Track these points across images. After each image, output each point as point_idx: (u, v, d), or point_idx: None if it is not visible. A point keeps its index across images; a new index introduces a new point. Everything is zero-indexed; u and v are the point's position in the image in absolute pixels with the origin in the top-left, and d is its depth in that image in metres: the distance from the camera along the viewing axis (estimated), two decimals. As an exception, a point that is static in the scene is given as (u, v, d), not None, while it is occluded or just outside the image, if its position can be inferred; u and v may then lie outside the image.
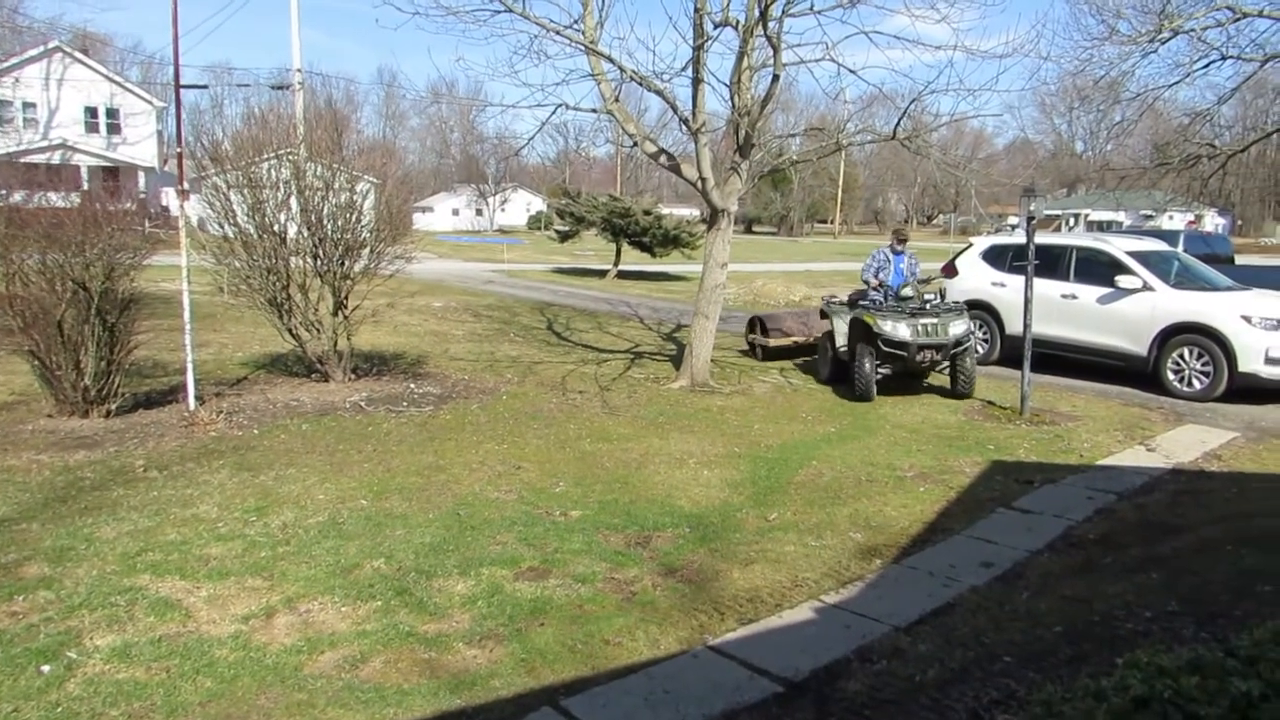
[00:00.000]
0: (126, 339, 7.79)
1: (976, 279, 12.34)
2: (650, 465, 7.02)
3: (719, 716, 3.53)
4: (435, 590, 4.63)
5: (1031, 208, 8.50)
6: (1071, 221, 52.62)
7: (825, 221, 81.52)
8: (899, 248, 10.39)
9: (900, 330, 9.41)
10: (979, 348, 12.32)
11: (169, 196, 37.73)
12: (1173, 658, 3.20)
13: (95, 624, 4.11)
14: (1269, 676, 2.84)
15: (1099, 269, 11.02)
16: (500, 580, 4.77)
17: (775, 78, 9.08)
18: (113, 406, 7.71)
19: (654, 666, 3.95)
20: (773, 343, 12.29)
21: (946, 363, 9.80)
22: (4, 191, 8.92)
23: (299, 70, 22.26)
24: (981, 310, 12.21)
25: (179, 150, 9.33)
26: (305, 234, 9.21)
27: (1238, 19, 12.60)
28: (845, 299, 10.78)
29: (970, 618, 4.46)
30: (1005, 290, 11.77)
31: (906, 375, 10.08)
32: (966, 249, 13.06)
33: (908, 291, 10.04)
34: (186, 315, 7.97)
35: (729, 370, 11.16)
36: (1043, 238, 10.81)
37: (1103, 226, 43.69)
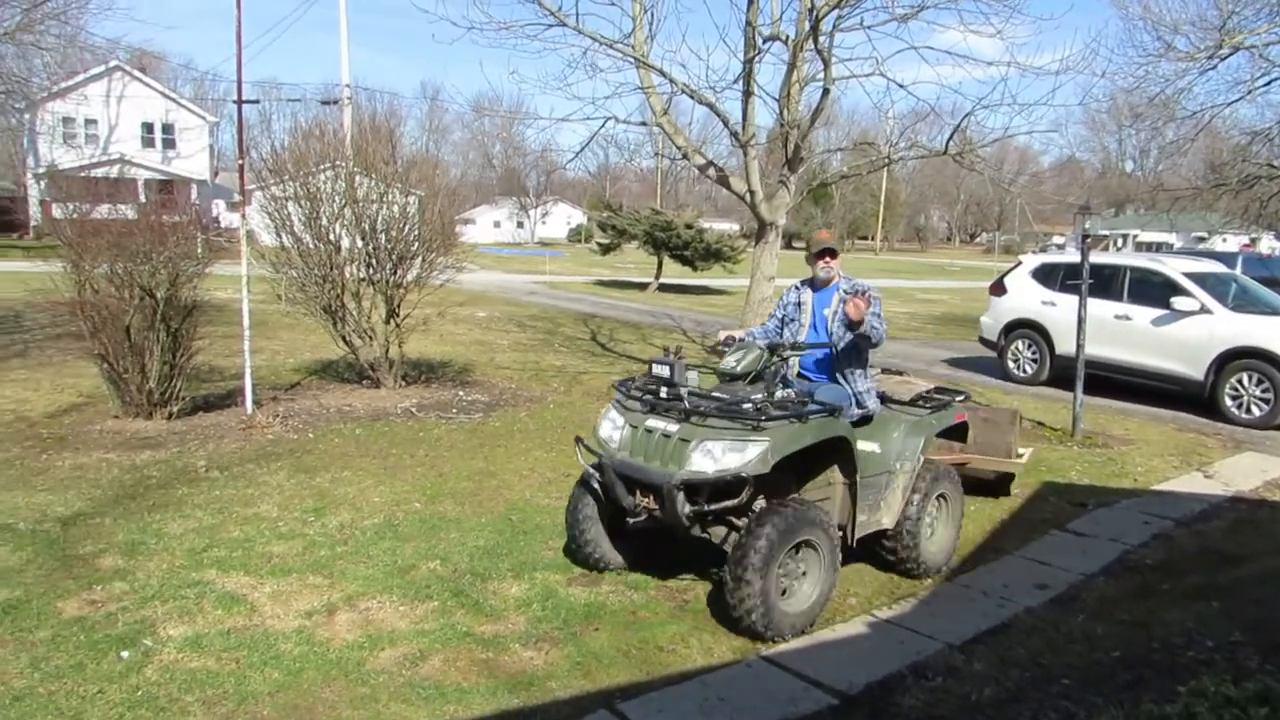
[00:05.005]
0: (188, 344, 8.00)
1: (1026, 298, 12.21)
2: (698, 477, 7.04)
3: (774, 726, 3.55)
4: (490, 592, 4.71)
5: (1087, 225, 8.41)
6: (1120, 242, 51.79)
7: (866, 238, 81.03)
8: (823, 271, 5.16)
9: (614, 436, 4.74)
10: (1026, 368, 12.19)
11: (219, 208, 38.63)
12: (1240, 689, 3.16)
13: (168, 615, 4.25)
14: (1341, 714, 2.79)
15: (1154, 290, 10.85)
16: (554, 585, 4.84)
17: (825, 91, 9.12)
18: (174, 409, 7.92)
19: (708, 674, 3.98)
20: None
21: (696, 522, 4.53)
22: (74, 204, 9.20)
23: (348, 85, 22.73)
24: (1031, 330, 12.09)
25: (239, 162, 9.58)
26: (360, 244, 9.41)
27: (1302, 35, 12.39)
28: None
29: (1025, 639, 4.43)
30: (1056, 309, 11.63)
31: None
32: (1015, 267, 12.93)
33: (745, 366, 4.73)
34: (246, 321, 8.17)
35: (774, 385, 11.13)
36: (1095, 257, 10.70)
37: (1153, 248, 42.97)
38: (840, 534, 4.69)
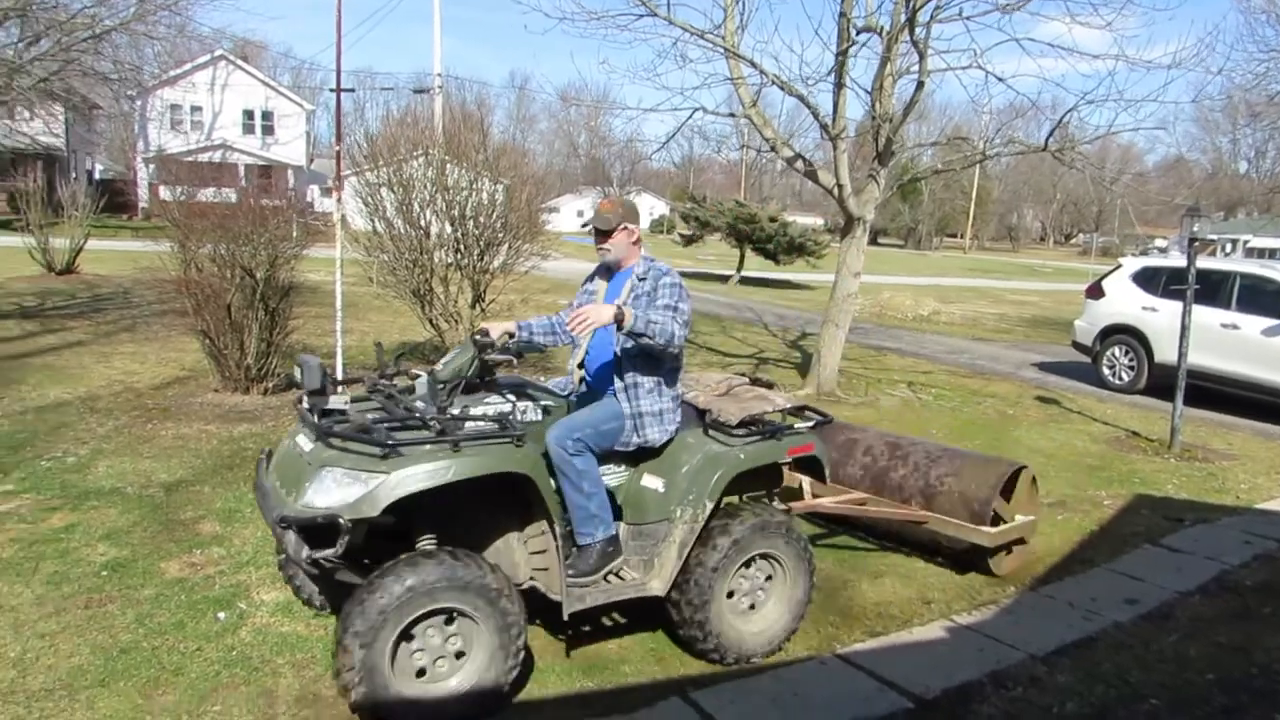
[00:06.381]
0: (284, 323, 8.30)
1: (1124, 302, 11.75)
2: (775, 472, 6.99)
3: (848, 726, 3.52)
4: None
5: (1195, 228, 8.02)
6: (1229, 247, 49.26)
7: (955, 235, 78.96)
8: (602, 255, 4.02)
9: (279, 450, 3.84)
10: (1122, 375, 11.73)
11: (314, 193, 39.93)
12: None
13: (261, 580, 4.46)
14: None
15: (1266, 298, 10.31)
16: (629, 573, 4.88)
17: (920, 84, 8.90)
18: (270, 385, 8.24)
19: (781, 669, 3.97)
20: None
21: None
22: (182, 187, 9.62)
23: (439, 75, 23.22)
24: (1129, 336, 11.63)
25: (336, 148, 9.88)
26: (449, 229, 9.60)
27: None
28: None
29: (1113, 654, 4.29)
30: (1157, 315, 11.16)
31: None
32: (1114, 270, 12.45)
33: (450, 371, 3.65)
34: (339, 303, 8.41)
35: (856, 381, 10.98)
36: (1202, 262, 10.23)
37: (1266, 254, 40.74)
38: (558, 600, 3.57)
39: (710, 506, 3.83)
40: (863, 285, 10.67)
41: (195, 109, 41.51)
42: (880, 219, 72.72)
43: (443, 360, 3.72)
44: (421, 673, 3.27)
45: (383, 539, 3.47)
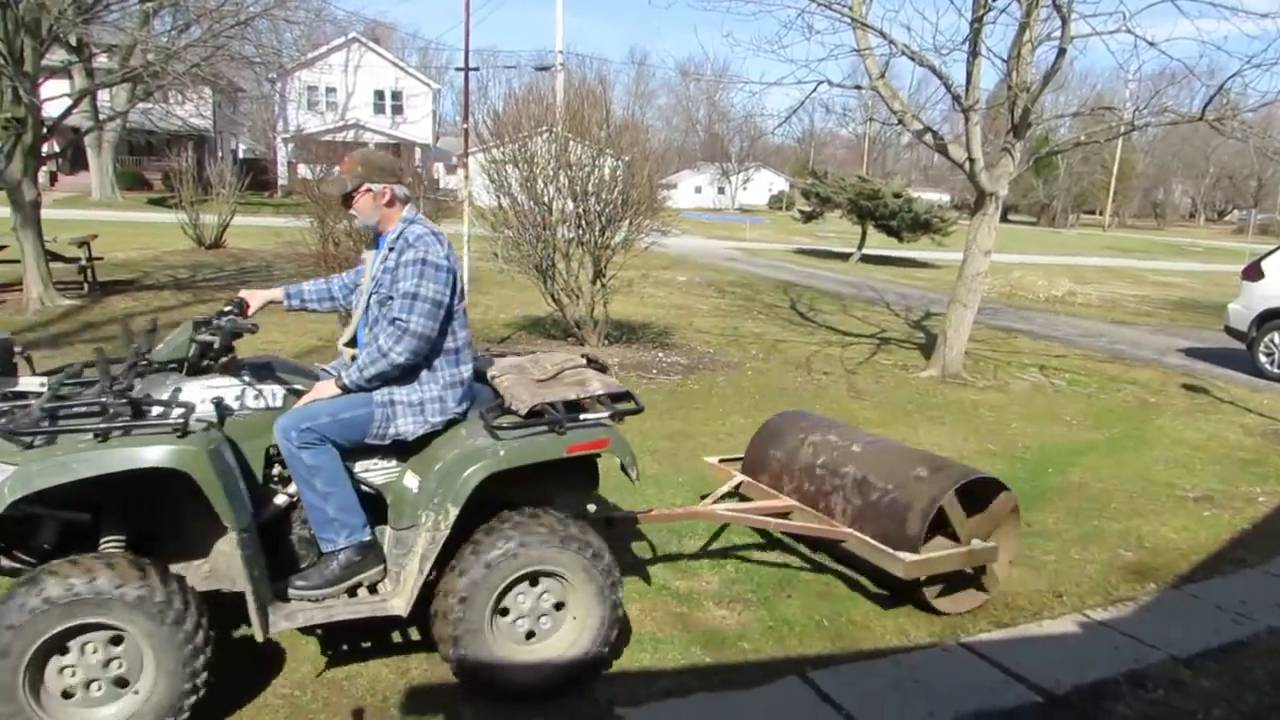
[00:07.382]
0: (414, 296, 8.61)
1: (1287, 284, 10.90)
2: (897, 455, 6.83)
3: (971, 716, 3.43)
4: (686, 550, 4.83)
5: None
6: None
7: (1093, 212, 74.64)
8: (350, 212, 3.45)
9: None
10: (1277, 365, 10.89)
11: (440, 170, 41.14)
12: None
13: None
14: None
15: None
16: (747, 547, 4.88)
17: (1061, 51, 8.42)
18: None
19: (902, 654, 3.89)
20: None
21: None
22: (320, 165, 10.08)
23: (560, 52, 23.47)
24: (1291, 320, 10.78)
25: (464, 126, 10.14)
26: (571, 206, 9.73)
27: None
28: None
29: (1267, 660, 4.02)
30: (1324, 299, 10.31)
31: None
32: (1277, 249, 11.53)
33: (168, 351, 3.27)
34: (465, 276, 8.67)
35: (983, 364, 10.58)
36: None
37: None
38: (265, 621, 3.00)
39: (454, 512, 3.17)
40: (992, 264, 10.24)
41: (330, 90, 43.36)
42: (1012, 195, 69.08)
43: (164, 340, 3.27)
44: (68, 695, 2.83)
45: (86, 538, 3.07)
